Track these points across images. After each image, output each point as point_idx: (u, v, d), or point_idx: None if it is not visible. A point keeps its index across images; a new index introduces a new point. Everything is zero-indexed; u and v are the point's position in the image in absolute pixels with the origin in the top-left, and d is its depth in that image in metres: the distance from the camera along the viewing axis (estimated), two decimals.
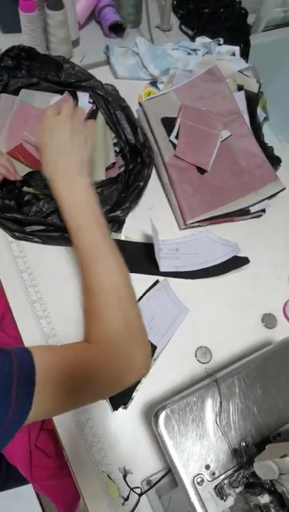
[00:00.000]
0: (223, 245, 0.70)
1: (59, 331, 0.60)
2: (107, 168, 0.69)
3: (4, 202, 0.62)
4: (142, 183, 0.67)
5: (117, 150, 0.72)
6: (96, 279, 0.49)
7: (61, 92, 0.71)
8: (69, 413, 0.56)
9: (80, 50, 0.87)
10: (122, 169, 0.70)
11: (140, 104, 0.80)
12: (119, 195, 0.68)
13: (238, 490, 0.44)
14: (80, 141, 0.56)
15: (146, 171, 0.68)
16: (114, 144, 0.72)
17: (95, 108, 0.71)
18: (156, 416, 0.47)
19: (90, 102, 0.72)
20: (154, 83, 0.86)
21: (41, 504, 0.99)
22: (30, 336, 0.60)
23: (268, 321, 0.65)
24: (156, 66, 0.85)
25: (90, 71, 0.74)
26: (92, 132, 0.59)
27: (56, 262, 0.65)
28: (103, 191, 0.67)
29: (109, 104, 0.71)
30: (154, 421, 0.47)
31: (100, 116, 0.71)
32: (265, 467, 0.38)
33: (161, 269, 0.66)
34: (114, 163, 0.69)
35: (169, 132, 0.74)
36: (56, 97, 0.71)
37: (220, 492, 0.43)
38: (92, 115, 0.71)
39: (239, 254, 0.70)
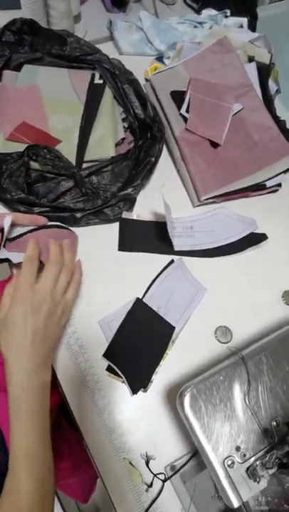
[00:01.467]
0: (239, 222, 0.67)
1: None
2: (117, 145, 0.66)
3: (12, 181, 0.59)
4: (153, 159, 0.64)
5: (126, 126, 0.69)
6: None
7: (66, 67, 0.68)
8: (87, 398, 0.54)
9: (82, 25, 0.83)
10: (132, 145, 0.67)
11: (147, 80, 0.76)
12: (130, 172, 0.65)
13: (271, 471, 0.41)
14: (53, 323, 0.50)
15: (157, 146, 0.65)
16: (123, 120, 0.69)
17: (102, 82, 0.68)
18: (182, 396, 0.44)
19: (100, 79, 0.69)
20: (160, 58, 0.82)
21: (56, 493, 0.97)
22: None
23: None
24: (161, 41, 0.81)
25: None
26: (72, 301, 0.53)
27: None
28: (113, 168, 0.64)
29: (116, 78, 0.68)
30: (179, 402, 0.45)
31: (108, 91, 0.68)
32: None
33: (176, 248, 0.63)
34: (123, 139, 0.66)
35: (179, 106, 0.70)
36: (61, 72, 0.68)
37: (252, 474, 0.41)
38: (99, 90, 0.68)
39: (256, 231, 0.67)
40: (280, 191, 0.71)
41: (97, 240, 0.63)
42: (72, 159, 0.63)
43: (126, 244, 0.64)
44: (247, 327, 0.60)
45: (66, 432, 0.77)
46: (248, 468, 0.42)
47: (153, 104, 0.68)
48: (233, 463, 0.42)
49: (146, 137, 0.67)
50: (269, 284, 0.64)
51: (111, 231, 0.64)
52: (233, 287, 0.63)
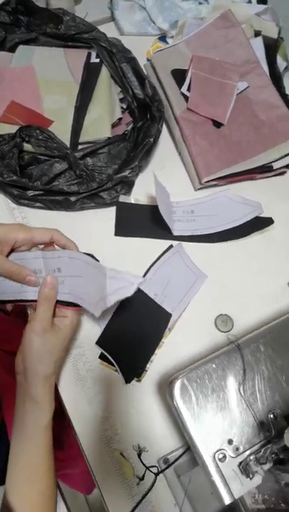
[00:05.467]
0: (243, 205, 0.63)
1: None
2: (114, 126, 0.63)
3: (4, 163, 0.57)
4: (151, 140, 0.61)
5: (124, 106, 0.66)
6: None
7: (62, 46, 0.66)
8: (78, 387, 0.52)
9: (83, 6, 0.80)
10: (131, 126, 0.64)
11: (149, 61, 0.73)
12: (128, 154, 0.62)
13: (266, 467, 0.38)
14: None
15: (156, 126, 0.62)
16: (121, 100, 0.66)
17: (98, 62, 0.65)
18: (171, 385, 0.42)
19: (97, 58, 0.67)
20: (163, 38, 0.79)
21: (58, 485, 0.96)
22: None
23: None
24: (164, 19, 0.78)
25: None
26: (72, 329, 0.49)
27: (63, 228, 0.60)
28: (110, 150, 0.62)
29: (114, 56, 0.65)
30: (168, 391, 0.42)
31: (105, 70, 0.65)
32: None
33: (175, 232, 0.60)
34: (120, 119, 0.63)
35: (180, 85, 0.67)
36: (56, 52, 0.65)
37: (245, 469, 0.38)
38: (95, 69, 0.65)
39: (262, 215, 0.63)
40: (288, 173, 0.67)
41: (93, 225, 0.61)
42: (67, 141, 0.60)
43: (123, 229, 0.61)
44: (249, 316, 0.57)
45: (66, 422, 0.75)
46: (240, 463, 0.39)
47: (152, 83, 0.65)
48: (224, 457, 0.39)
49: (146, 118, 0.64)
50: (275, 271, 0.60)
51: (107, 215, 0.61)
52: (236, 274, 0.60)
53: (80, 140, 0.61)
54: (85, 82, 0.63)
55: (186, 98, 0.66)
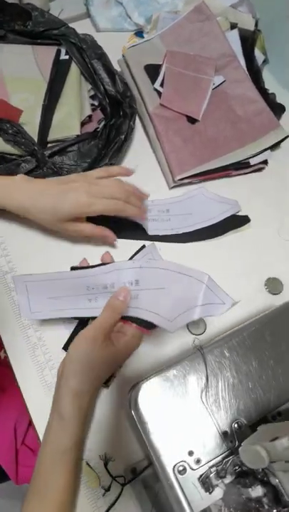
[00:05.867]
0: (220, 203, 0.61)
1: None
2: (84, 123, 0.61)
3: None
4: (122, 137, 0.60)
5: (96, 104, 0.64)
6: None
7: (30, 44, 0.64)
8: (43, 393, 0.50)
9: (58, 3, 0.79)
10: (102, 124, 0.62)
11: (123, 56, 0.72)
12: (99, 152, 0.60)
13: (226, 480, 0.36)
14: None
15: (127, 123, 0.60)
16: (93, 97, 0.64)
17: (67, 58, 0.64)
18: (130, 393, 0.40)
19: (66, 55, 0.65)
20: (139, 34, 0.77)
21: None
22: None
23: (273, 286, 0.57)
24: (140, 14, 0.76)
25: (70, 25, 0.66)
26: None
27: (27, 230, 0.58)
28: (80, 148, 0.60)
29: (83, 52, 0.63)
30: (128, 399, 0.40)
31: (74, 67, 0.63)
32: (252, 453, 0.30)
33: (150, 232, 0.59)
34: (90, 116, 0.62)
35: (153, 80, 0.65)
36: (25, 49, 0.64)
37: (205, 483, 0.36)
38: (64, 66, 0.63)
39: (239, 213, 0.61)
40: (266, 170, 0.65)
41: None
42: (35, 140, 0.59)
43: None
44: (223, 318, 0.54)
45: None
46: (201, 476, 0.37)
47: (123, 79, 0.63)
48: (184, 469, 0.37)
49: (118, 115, 0.62)
50: (251, 271, 0.58)
51: None
52: (210, 274, 0.57)
53: (49, 139, 0.59)
54: (54, 80, 0.62)
55: (160, 94, 0.64)
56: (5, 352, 0.53)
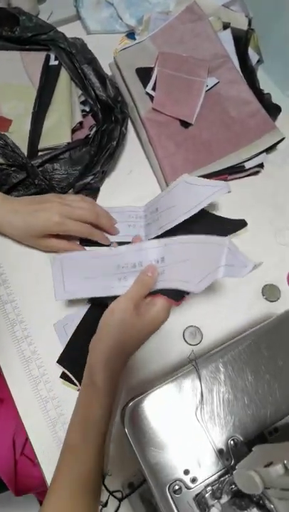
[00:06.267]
0: (204, 187, 0.54)
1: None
2: (75, 130, 0.60)
3: None
4: (114, 143, 0.58)
5: (87, 109, 0.63)
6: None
7: (18, 50, 0.63)
8: (38, 408, 0.49)
9: (47, 5, 0.77)
10: (94, 130, 0.61)
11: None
12: (91, 159, 0.59)
13: (222, 500, 0.35)
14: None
15: (119, 128, 0.59)
16: (84, 103, 0.63)
17: (57, 64, 0.62)
18: (123, 411, 0.39)
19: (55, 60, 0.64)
20: (131, 35, 0.76)
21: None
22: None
23: (270, 293, 0.56)
24: (132, 15, 0.74)
25: (60, 29, 0.64)
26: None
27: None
28: (71, 156, 0.58)
29: (73, 57, 0.62)
30: (120, 417, 0.39)
31: (64, 73, 0.62)
32: (246, 478, 0.29)
33: (145, 239, 0.58)
34: (81, 123, 0.60)
35: (145, 84, 0.64)
36: (13, 55, 0.62)
37: (200, 503, 0.35)
38: (54, 72, 0.62)
39: (235, 217, 0.60)
40: (261, 173, 0.63)
41: None
42: (25, 149, 0.57)
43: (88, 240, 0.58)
44: (219, 327, 0.54)
45: None
46: (196, 496, 0.36)
47: (115, 83, 0.62)
48: (180, 488, 0.36)
49: (110, 120, 0.61)
50: (247, 278, 0.56)
51: None
52: None
53: (40, 147, 0.58)
54: (43, 87, 0.60)
55: (152, 98, 0.63)
56: None
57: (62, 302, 0.54)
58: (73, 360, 0.51)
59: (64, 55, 0.62)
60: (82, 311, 0.53)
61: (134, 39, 0.75)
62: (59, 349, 0.51)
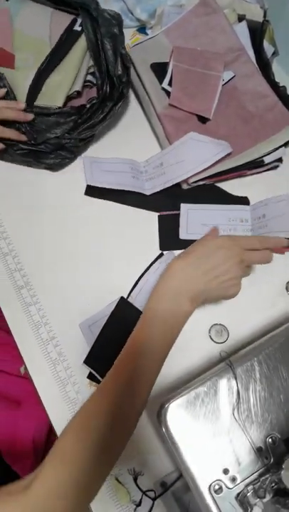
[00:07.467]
0: (211, 144, 0.58)
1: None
2: (71, 98, 0.60)
3: None
4: (101, 116, 0.58)
5: (94, 82, 0.62)
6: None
7: (52, 7, 0.64)
8: (67, 409, 0.49)
9: None
10: (93, 102, 0.58)
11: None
12: (74, 125, 0.58)
13: (265, 499, 0.35)
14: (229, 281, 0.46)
15: (110, 106, 0.58)
16: (93, 74, 0.62)
17: (79, 30, 0.62)
18: (160, 412, 0.39)
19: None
20: (142, 30, 0.75)
21: None
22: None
23: None
24: (142, 9, 0.73)
25: None
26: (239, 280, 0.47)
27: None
28: (57, 119, 0.58)
29: (98, 28, 0.59)
30: (158, 418, 0.39)
31: (83, 40, 0.61)
32: None
33: (148, 192, 0.60)
34: (78, 92, 0.60)
35: (160, 79, 0.63)
36: (44, 11, 0.63)
37: (242, 502, 0.35)
38: (73, 38, 0.62)
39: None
40: (280, 167, 0.63)
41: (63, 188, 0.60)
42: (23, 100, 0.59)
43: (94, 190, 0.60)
44: (245, 325, 0.54)
45: None
46: (238, 495, 0.36)
47: (128, 62, 0.59)
48: (220, 488, 0.36)
49: (111, 98, 0.59)
50: (271, 274, 0.57)
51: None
52: None
53: (35, 103, 0.59)
54: (58, 48, 0.61)
55: (168, 93, 0.62)
56: (25, 368, 0.52)
57: (86, 303, 0.54)
58: (100, 359, 0.50)
59: (89, 24, 0.60)
60: (107, 310, 0.53)
61: (146, 33, 0.74)
62: (86, 349, 0.51)
